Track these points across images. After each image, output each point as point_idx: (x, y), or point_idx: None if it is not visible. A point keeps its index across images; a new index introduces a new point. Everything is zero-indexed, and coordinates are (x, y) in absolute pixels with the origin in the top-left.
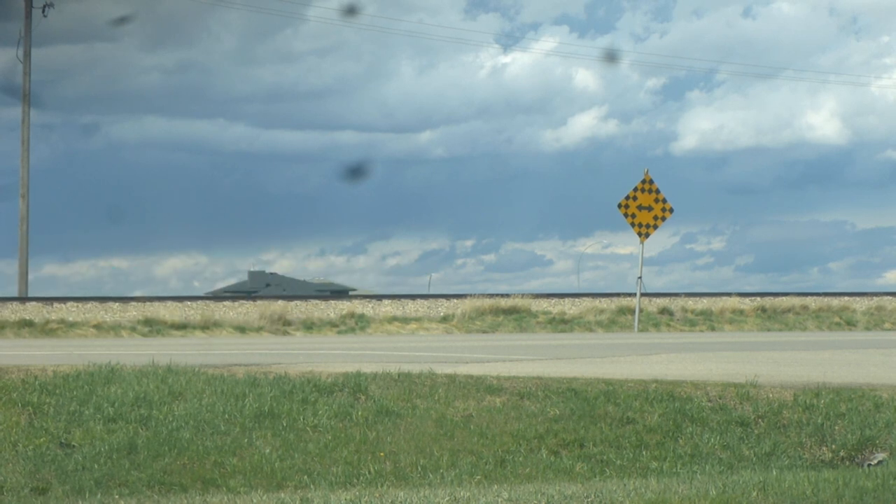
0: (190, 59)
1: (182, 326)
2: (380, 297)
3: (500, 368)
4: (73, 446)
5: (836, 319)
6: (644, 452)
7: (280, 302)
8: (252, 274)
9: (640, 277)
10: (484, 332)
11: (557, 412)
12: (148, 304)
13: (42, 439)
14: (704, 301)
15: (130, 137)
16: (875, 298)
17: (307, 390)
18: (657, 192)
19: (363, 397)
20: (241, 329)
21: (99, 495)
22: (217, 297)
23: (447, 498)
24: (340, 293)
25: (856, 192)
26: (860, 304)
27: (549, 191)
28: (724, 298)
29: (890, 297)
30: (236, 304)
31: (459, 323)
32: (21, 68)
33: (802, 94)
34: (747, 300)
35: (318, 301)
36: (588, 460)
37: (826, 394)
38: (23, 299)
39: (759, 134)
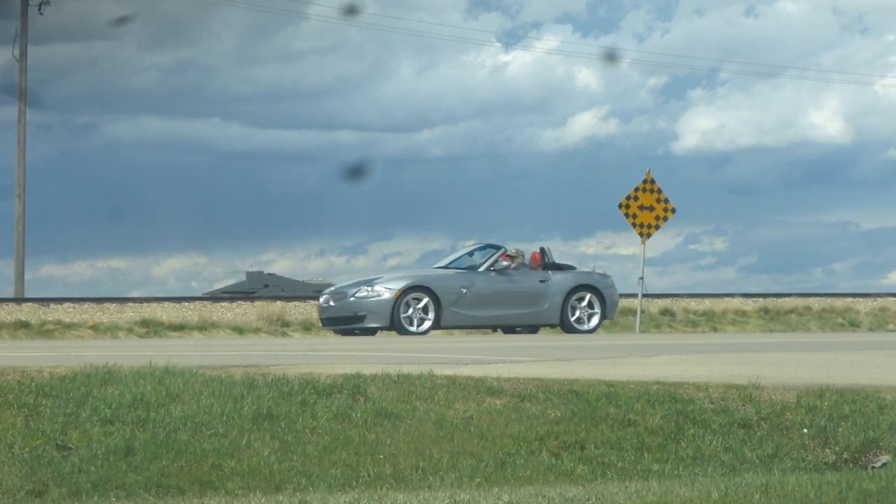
0: (190, 58)
1: (179, 327)
2: None
3: (501, 370)
4: (70, 448)
5: (840, 320)
6: (646, 454)
7: (278, 303)
8: (250, 274)
9: (641, 278)
10: (484, 332)
11: (558, 414)
12: (145, 304)
13: (38, 441)
14: (707, 302)
15: (129, 137)
16: (879, 299)
17: (306, 392)
18: (659, 191)
19: (362, 399)
20: (239, 330)
21: (96, 498)
22: (215, 297)
23: (447, 501)
24: None
25: (860, 191)
26: (864, 305)
27: (550, 191)
28: (727, 299)
29: (894, 298)
30: (234, 304)
31: None
32: (17, 67)
33: (805, 93)
34: (750, 301)
35: (316, 301)
36: (589, 462)
37: (829, 395)
38: (19, 300)
39: (761, 133)
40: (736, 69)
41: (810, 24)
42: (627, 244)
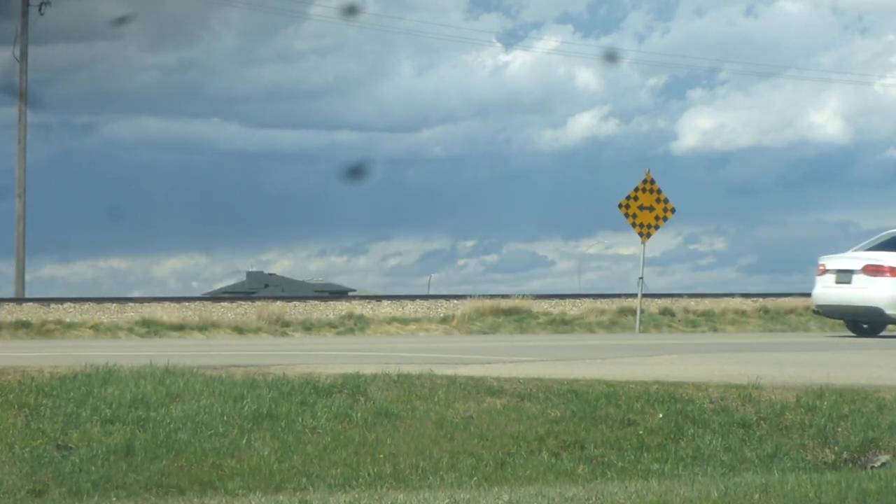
0: (190, 58)
1: (180, 327)
2: (379, 298)
3: (501, 370)
4: (71, 448)
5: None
6: (645, 454)
7: (278, 303)
8: (250, 274)
9: (641, 278)
10: (484, 332)
11: (558, 414)
12: (145, 304)
13: (39, 441)
14: (706, 302)
15: (129, 137)
16: None
17: (306, 392)
18: (659, 191)
19: (362, 399)
20: (240, 330)
21: (96, 497)
22: (215, 297)
23: (447, 500)
24: (339, 294)
25: (859, 191)
26: None
27: (551, 190)
28: (727, 299)
29: None
30: (234, 304)
31: (459, 324)
32: (18, 67)
33: (805, 93)
34: (749, 301)
35: (316, 302)
36: (589, 462)
37: (829, 395)
38: (19, 300)
39: (761, 133)
40: (735, 69)
41: (810, 24)
42: (628, 244)
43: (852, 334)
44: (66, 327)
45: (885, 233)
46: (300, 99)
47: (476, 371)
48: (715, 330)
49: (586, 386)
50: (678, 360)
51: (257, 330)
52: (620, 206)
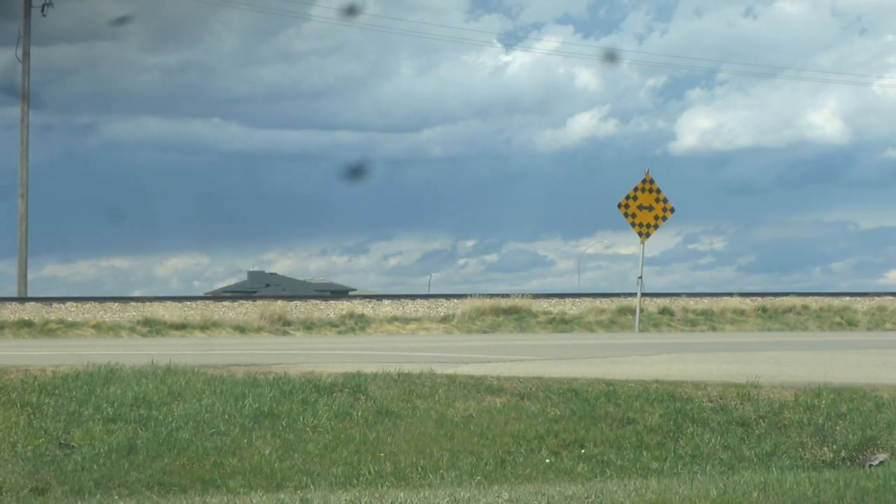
0: (191, 58)
1: (181, 327)
2: (380, 298)
3: (501, 369)
4: (73, 447)
5: (838, 319)
6: (645, 453)
7: (280, 302)
8: (251, 274)
9: (640, 277)
10: (484, 332)
11: (558, 413)
12: (147, 304)
13: (41, 440)
14: (705, 301)
15: (131, 137)
16: (876, 299)
17: (307, 390)
18: (658, 191)
19: (363, 398)
20: (241, 329)
21: (98, 496)
22: (216, 297)
23: (447, 499)
24: (340, 293)
25: (858, 191)
26: (861, 305)
27: (552, 191)
28: (725, 298)
29: (891, 298)
30: (236, 304)
31: (459, 323)
32: (20, 68)
33: (804, 93)
34: (748, 300)
35: (317, 301)
36: (588, 461)
37: (827, 394)
38: (22, 299)
39: (760, 133)
40: (734, 69)
41: (809, 25)
42: (627, 244)
43: (850, 333)
44: (69, 326)
45: None
46: (300, 99)
47: (476, 370)
48: (714, 329)
49: (586, 385)
50: (677, 359)
51: (259, 329)
52: (620, 205)
